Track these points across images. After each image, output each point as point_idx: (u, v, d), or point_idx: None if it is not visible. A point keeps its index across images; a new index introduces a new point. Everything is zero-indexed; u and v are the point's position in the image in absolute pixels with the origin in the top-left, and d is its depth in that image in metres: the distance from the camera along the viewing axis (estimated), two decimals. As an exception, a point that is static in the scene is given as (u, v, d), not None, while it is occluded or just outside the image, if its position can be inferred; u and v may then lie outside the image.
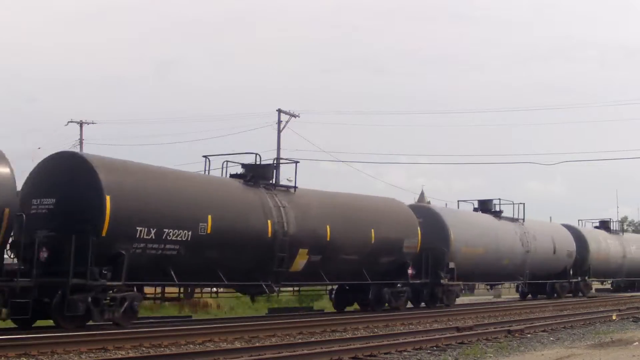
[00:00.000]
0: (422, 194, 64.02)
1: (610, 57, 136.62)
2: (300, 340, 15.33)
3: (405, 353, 13.77)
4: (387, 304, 24.83)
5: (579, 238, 39.01)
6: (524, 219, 34.31)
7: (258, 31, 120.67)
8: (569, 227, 39.59)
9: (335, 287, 25.18)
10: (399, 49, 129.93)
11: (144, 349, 13.82)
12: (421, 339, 15.32)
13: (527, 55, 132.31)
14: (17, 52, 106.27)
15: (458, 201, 34.27)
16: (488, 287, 38.78)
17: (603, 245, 41.36)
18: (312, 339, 15.50)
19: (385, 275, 24.82)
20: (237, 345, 14.52)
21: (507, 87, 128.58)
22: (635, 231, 69.02)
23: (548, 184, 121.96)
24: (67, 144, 53.65)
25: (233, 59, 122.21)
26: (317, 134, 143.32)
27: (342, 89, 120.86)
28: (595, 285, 47.22)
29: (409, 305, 26.80)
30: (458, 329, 17.64)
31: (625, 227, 72.87)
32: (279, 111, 47.10)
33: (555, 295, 37.09)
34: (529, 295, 38.26)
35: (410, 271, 25.53)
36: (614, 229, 45.31)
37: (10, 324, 16.26)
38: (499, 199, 33.67)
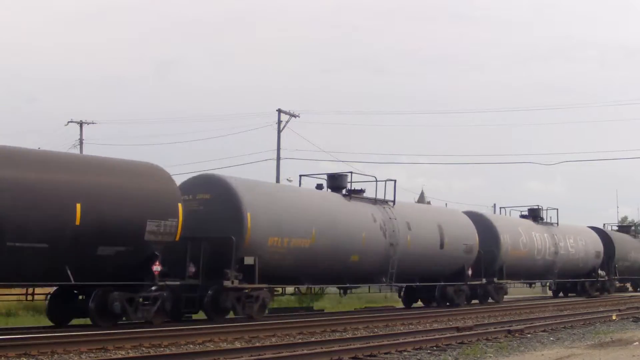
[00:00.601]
0: (422, 194, 64.12)
1: (610, 57, 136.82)
2: (300, 340, 15.33)
3: (405, 353, 13.76)
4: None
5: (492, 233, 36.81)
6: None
7: (258, 31, 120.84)
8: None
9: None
10: (399, 49, 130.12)
11: (144, 349, 13.82)
12: (421, 339, 15.31)
13: (527, 55, 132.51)
14: (17, 52, 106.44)
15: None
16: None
17: (524, 238, 34.12)
18: (312, 339, 15.50)
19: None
20: (237, 345, 14.52)
21: (507, 87, 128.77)
22: (636, 231, 68.67)
23: (548, 184, 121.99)
24: (67, 144, 53.78)
25: (233, 59, 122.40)
26: (317, 134, 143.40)
27: (342, 89, 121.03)
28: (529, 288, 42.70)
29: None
30: (458, 329, 17.64)
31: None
32: (279, 111, 47.15)
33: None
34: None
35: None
36: (546, 219, 37.80)
37: (17, 322, 16.23)
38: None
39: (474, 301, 30.85)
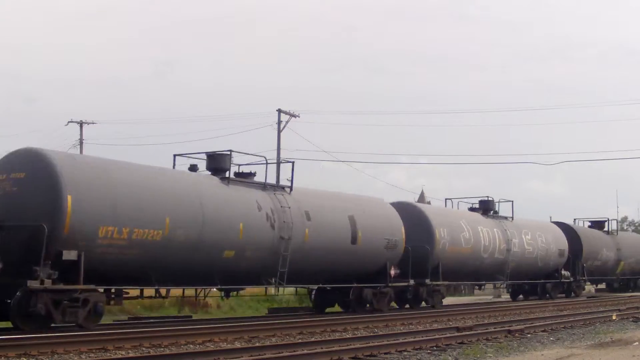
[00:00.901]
0: (422, 194, 64.07)
1: (610, 57, 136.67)
2: (300, 340, 15.32)
3: (405, 353, 13.77)
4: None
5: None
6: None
7: (258, 31, 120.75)
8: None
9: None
10: (399, 49, 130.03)
11: (144, 349, 13.82)
12: (421, 339, 15.31)
13: (527, 55, 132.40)
14: (17, 52, 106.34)
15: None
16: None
17: (466, 233, 29.36)
18: (312, 339, 15.49)
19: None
20: (237, 345, 14.52)
21: (507, 87, 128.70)
22: (636, 231, 68.79)
23: (548, 184, 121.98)
24: (67, 144, 53.75)
25: (233, 59, 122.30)
26: (317, 134, 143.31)
27: (342, 89, 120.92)
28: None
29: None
30: (458, 329, 17.65)
31: (625, 227, 72.86)
32: (279, 111, 47.18)
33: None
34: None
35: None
36: (496, 211, 33.38)
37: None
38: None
39: (406, 306, 27.06)
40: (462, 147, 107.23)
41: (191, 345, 14.44)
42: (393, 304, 26.41)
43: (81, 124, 54.30)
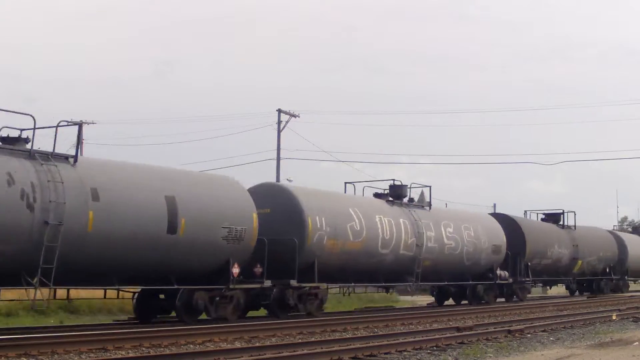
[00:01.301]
0: (422, 194, 64.02)
1: (610, 57, 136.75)
2: (300, 340, 15.33)
3: (405, 353, 13.77)
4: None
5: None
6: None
7: (258, 31, 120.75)
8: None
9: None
10: (399, 49, 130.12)
11: (144, 349, 13.82)
12: (421, 339, 15.31)
13: (527, 55, 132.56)
14: (17, 52, 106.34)
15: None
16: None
17: (357, 224, 23.28)
18: (312, 339, 15.50)
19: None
20: (237, 345, 14.52)
21: (507, 87, 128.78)
22: (636, 231, 68.60)
23: (548, 184, 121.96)
24: (67, 144, 53.72)
25: (233, 59, 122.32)
26: (317, 134, 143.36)
27: (342, 89, 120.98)
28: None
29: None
30: (458, 329, 17.65)
31: (625, 227, 72.72)
32: (279, 111, 47.15)
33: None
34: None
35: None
36: (412, 198, 27.94)
37: (17, 322, 16.20)
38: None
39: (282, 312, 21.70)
40: (462, 147, 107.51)
41: (191, 345, 14.45)
42: (259, 311, 21.87)
43: (81, 124, 54.23)
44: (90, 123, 54.45)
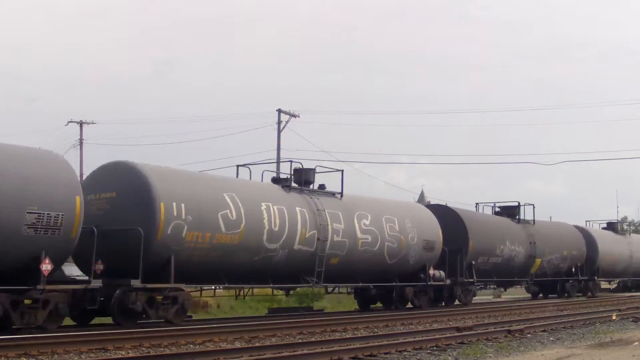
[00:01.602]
0: (422, 194, 64.11)
1: (610, 57, 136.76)
2: (300, 340, 15.33)
3: (405, 353, 13.77)
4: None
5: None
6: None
7: (258, 31, 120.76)
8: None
9: None
10: (399, 49, 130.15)
11: (144, 349, 13.82)
12: (421, 339, 15.31)
13: (527, 55, 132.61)
14: (17, 52, 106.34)
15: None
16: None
17: (231, 214, 19.49)
18: (312, 339, 15.50)
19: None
20: (237, 345, 14.52)
21: (507, 87, 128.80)
22: (636, 231, 68.77)
23: (548, 184, 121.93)
24: (67, 144, 53.80)
25: (233, 59, 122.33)
26: (317, 134, 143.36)
27: (342, 89, 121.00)
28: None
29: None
30: (458, 329, 17.65)
31: (625, 227, 72.77)
32: (279, 111, 47.16)
33: None
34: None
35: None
36: (323, 185, 23.79)
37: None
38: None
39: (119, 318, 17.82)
40: (462, 147, 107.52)
41: (191, 345, 14.45)
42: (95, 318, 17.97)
43: (81, 124, 54.29)
44: (90, 123, 54.58)
